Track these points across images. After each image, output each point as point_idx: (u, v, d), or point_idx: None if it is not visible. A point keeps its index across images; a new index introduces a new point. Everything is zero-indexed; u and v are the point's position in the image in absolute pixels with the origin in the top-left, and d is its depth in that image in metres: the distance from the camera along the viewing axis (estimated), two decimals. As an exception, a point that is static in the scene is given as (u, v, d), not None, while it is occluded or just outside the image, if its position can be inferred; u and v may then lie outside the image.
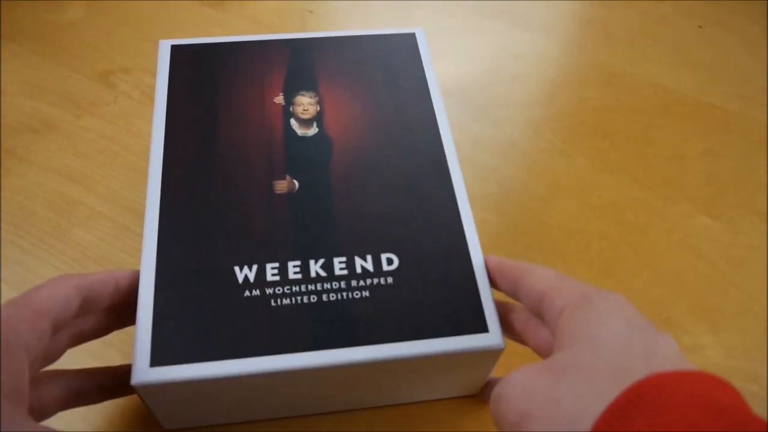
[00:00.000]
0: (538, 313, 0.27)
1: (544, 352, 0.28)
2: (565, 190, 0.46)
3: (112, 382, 0.30)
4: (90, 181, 0.44)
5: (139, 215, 0.42)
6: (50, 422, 0.28)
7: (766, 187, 0.47)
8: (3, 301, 0.37)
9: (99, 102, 0.49)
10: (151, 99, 0.49)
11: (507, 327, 0.30)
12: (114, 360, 0.35)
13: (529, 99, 0.53)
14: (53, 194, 0.43)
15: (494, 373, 0.32)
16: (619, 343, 0.21)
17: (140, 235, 0.41)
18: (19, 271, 0.39)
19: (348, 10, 0.59)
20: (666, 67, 0.56)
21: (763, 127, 0.52)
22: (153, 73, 0.51)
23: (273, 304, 0.29)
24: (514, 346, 0.31)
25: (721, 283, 0.41)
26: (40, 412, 0.26)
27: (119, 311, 0.30)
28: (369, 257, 0.31)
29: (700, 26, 0.61)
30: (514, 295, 0.29)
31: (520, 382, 0.22)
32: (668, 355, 0.21)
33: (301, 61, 0.38)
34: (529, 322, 0.29)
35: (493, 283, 0.30)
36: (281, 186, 0.33)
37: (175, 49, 0.38)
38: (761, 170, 0.49)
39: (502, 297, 0.31)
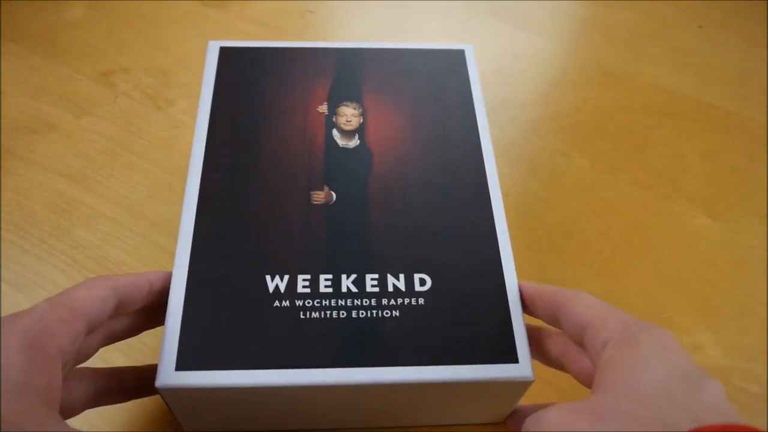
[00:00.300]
0: (579, 341, 0.26)
1: (586, 380, 0.27)
2: (565, 190, 0.46)
3: (137, 382, 0.30)
4: (90, 181, 0.44)
5: (139, 215, 0.42)
6: (72, 421, 0.28)
7: (766, 187, 0.47)
8: (3, 301, 0.37)
9: (99, 102, 0.49)
10: (151, 99, 0.49)
11: (542, 353, 0.29)
12: (116, 361, 0.35)
13: (529, 99, 0.53)
14: (53, 194, 0.43)
15: (521, 402, 0.32)
16: (662, 391, 0.21)
17: (140, 235, 0.41)
18: (19, 271, 0.39)
19: (348, 10, 0.59)
20: (666, 67, 0.56)
21: (763, 127, 0.52)
22: (153, 73, 0.51)
23: (302, 316, 0.29)
24: (542, 374, 0.30)
25: (721, 283, 0.41)
26: (69, 410, 0.26)
27: (151, 312, 0.30)
28: (402, 276, 0.30)
29: (700, 26, 0.61)
30: (553, 321, 0.28)
31: (556, 422, 0.21)
32: (713, 403, 0.21)
33: (348, 72, 0.38)
34: (569, 349, 0.28)
35: (529, 310, 0.30)
36: (318, 197, 0.32)
37: (223, 51, 0.38)
38: (761, 170, 0.49)
39: (533, 322, 0.30)
